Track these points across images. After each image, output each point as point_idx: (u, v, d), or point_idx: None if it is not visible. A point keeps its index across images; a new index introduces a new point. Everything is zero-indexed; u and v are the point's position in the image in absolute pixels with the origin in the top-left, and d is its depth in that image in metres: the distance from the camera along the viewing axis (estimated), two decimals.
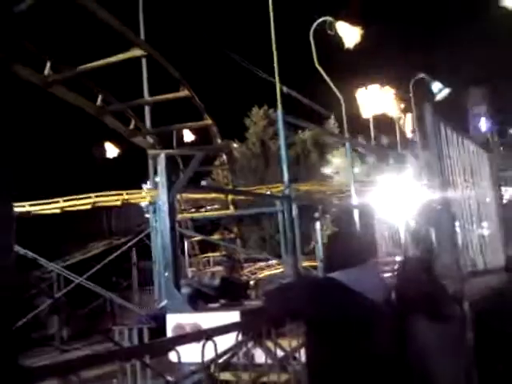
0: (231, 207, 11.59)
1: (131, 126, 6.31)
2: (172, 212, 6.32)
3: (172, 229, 6.18)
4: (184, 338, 2.25)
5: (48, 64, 4.87)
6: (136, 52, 4.92)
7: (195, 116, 9.43)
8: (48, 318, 14.12)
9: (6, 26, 1.79)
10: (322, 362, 2.15)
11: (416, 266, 2.73)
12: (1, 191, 1.62)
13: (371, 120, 17.66)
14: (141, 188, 16.91)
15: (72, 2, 4.04)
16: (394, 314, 2.36)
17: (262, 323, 2.68)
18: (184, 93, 5.69)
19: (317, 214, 10.35)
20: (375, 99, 17.83)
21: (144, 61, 11.49)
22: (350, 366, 2.08)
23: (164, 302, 6.40)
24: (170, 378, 4.74)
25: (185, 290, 6.22)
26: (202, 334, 2.17)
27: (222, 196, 11.70)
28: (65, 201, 14.02)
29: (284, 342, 3.10)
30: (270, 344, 2.93)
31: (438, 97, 17.54)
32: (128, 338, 5.69)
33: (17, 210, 12.77)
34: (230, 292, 6.83)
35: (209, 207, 14.75)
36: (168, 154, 6.56)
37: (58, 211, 14.02)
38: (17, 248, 10.93)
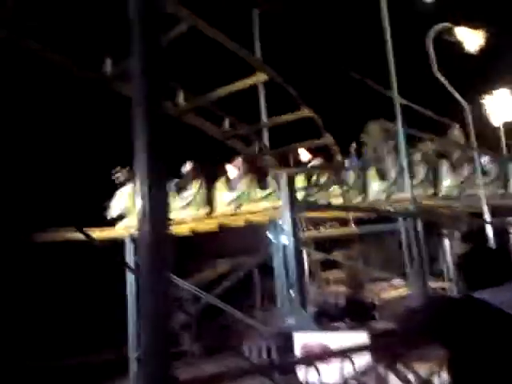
0: (352, 225, 11.44)
1: (256, 149, 6.62)
2: (295, 231, 6.45)
3: (296, 248, 6.31)
4: (321, 356, 2.27)
5: (181, 94, 5.33)
6: (260, 77, 5.17)
7: (308, 134, 9.51)
8: (179, 335, 14.97)
9: (158, 57, 2.00)
10: None
11: None
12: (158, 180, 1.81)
13: (502, 128, 16.31)
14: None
15: (199, 34, 4.39)
16: None
17: (394, 346, 2.60)
18: (305, 113, 5.82)
19: (445, 231, 9.79)
20: (505, 105, 16.48)
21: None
22: None
23: (290, 321, 6.49)
24: None
25: (310, 309, 6.26)
26: (339, 353, 2.18)
27: (341, 213, 11.62)
28: (192, 222, 14.92)
29: (419, 366, 2.97)
30: (403, 368, 2.82)
31: None
32: (257, 355, 5.84)
33: None
34: (355, 312, 6.73)
35: (327, 224, 14.69)
36: (289, 173, 6.72)
37: (186, 232, 14.96)
38: None
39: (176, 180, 12.07)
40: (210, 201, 12.01)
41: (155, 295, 1.71)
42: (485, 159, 13.39)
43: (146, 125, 1.85)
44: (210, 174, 13.74)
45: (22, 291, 13.41)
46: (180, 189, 12.67)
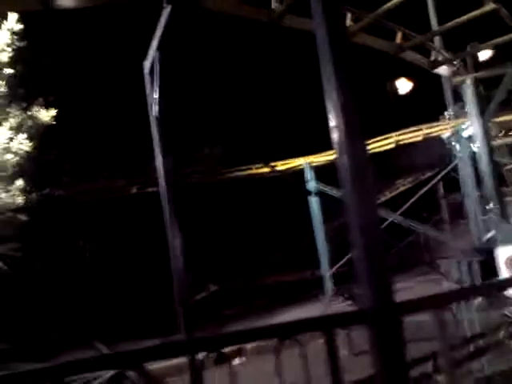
0: None
1: (432, 57, 6.04)
2: (487, 139, 5.86)
3: (490, 156, 5.75)
4: None
5: (348, 15, 5.07)
6: None
7: (489, 31, 8.24)
8: None
9: None
10: None
11: None
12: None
13: None
14: (437, 120, 16.18)
15: None
16: None
17: None
18: (490, 6, 5.06)
19: None
20: None
21: None
22: None
23: (490, 234, 6.09)
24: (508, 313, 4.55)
25: None
26: None
27: None
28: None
29: None
30: None
31: None
32: (457, 271, 5.66)
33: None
34: None
35: None
36: (474, 78, 6.03)
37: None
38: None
39: None
40: None
41: (363, 214, 1.76)
42: None
43: (331, 49, 1.83)
44: None
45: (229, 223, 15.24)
46: None
